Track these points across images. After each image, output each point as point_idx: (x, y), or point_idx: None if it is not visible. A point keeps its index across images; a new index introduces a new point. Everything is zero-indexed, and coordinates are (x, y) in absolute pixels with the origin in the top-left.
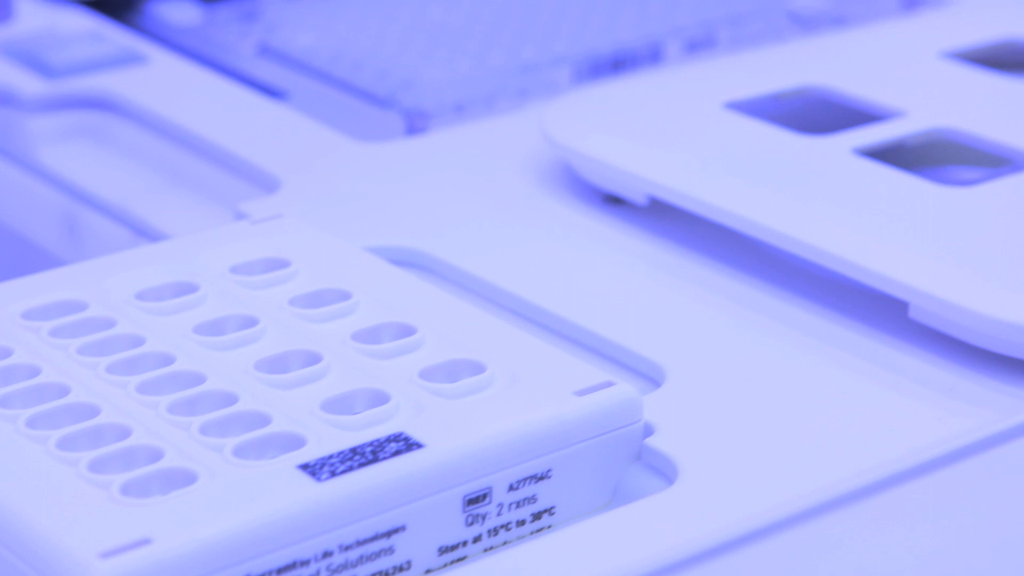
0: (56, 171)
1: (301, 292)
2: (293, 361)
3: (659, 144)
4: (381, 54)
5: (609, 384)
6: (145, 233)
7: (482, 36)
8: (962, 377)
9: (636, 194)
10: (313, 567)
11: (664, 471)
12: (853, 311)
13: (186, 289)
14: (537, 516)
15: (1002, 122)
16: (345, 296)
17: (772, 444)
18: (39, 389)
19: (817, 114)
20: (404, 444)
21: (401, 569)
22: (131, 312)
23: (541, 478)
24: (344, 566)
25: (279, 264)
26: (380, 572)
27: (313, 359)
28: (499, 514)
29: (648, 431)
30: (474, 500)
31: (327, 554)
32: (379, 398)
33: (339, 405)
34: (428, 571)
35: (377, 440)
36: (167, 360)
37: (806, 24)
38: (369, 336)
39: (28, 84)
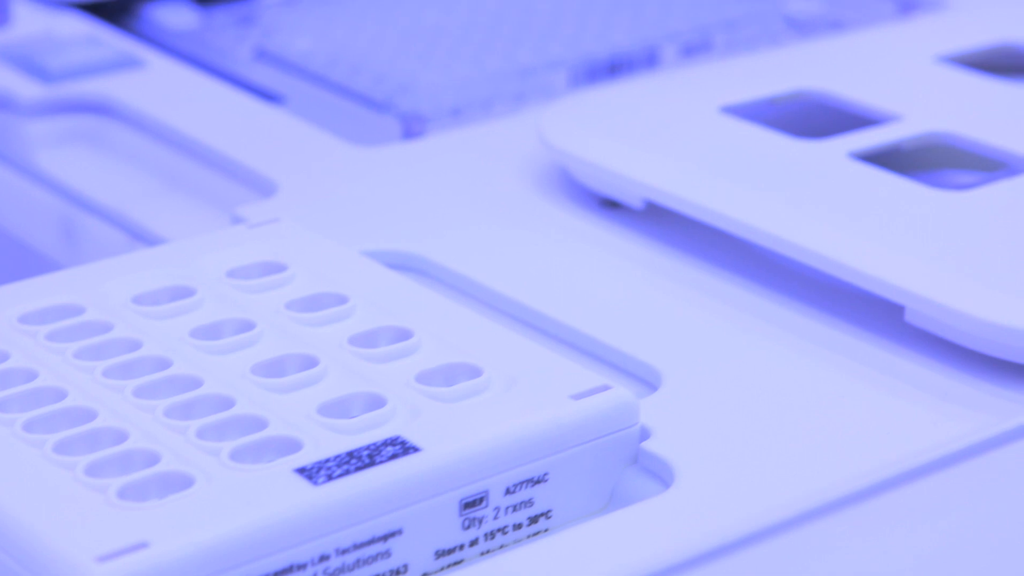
0: (53, 175)
1: (298, 296)
2: (290, 365)
3: (655, 148)
4: (378, 58)
5: (605, 388)
6: (142, 237)
7: (479, 40)
8: (958, 381)
9: (632, 198)
10: (310, 571)
11: (660, 475)
12: (849, 315)
13: (183, 293)
14: (534, 520)
15: (998, 126)
16: (342, 300)
17: (768, 448)
18: (36, 393)
19: (813, 118)
20: (401, 448)
21: (398, 573)
22: (128, 316)
23: (538, 482)
24: (341, 570)
25: (276, 268)
26: None
27: (310, 363)
28: (496, 518)
29: (644, 435)
30: (471, 504)
31: (324, 558)
32: (376, 402)
33: (336, 409)
34: (425, 575)
35: (374, 444)
36: (164, 364)
37: (802, 28)
38: (366, 340)
39: (25, 88)
